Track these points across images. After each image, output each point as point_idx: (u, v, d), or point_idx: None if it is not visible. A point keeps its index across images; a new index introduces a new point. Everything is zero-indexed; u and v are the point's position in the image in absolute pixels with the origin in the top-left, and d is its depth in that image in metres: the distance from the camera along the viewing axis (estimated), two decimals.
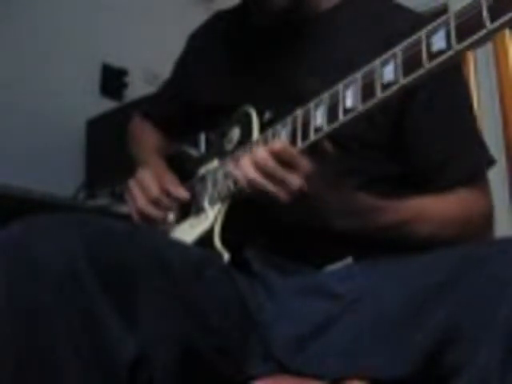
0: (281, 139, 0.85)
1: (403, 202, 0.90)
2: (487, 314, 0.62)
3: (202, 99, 1.13)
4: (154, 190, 1.04)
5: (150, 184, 1.05)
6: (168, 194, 1.04)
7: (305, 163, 0.81)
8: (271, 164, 0.81)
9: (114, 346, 0.68)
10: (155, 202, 1.04)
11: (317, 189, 0.82)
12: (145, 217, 1.05)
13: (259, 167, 0.82)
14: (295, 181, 0.80)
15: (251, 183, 0.82)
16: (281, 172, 0.81)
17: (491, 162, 0.97)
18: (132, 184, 1.08)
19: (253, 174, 0.82)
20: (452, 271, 0.68)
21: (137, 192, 1.06)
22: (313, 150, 0.82)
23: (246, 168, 0.83)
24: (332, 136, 0.81)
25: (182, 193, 1.04)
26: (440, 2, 2.57)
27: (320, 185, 0.82)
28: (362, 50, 0.88)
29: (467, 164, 0.94)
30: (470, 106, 1.01)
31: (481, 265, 0.65)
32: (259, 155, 0.82)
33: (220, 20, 1.18)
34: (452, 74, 0.95)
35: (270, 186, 0.81)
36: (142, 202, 1.04)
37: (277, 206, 0.83)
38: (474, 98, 1.12)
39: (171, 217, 1.07)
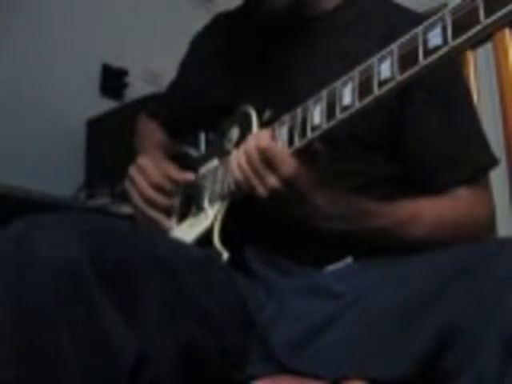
0: (264, 137, 0.85)
1: (396, 205, 0.89)
2: (486, 314, 0.62)
3: (203, 100, 1.14)
4: (156, 175, 1.04)
5: (151, 169, 1.05)
6: (170, 179, 1.04)
7: (286, 166, 0.81)
8: (255, 157, 0.83)
9: (116, 346, 0.68)
10: (157, 187, 1.04)
11: (302, 190, 0.82)
12: (147, 201, 1.04)
13: (247, 159, 0.84)
14: (271, 181, 0.81)
15: (240, 171, 0.85)
16: (261, 169, 0.82)
17: (493, 162, 0.96)
18: (132, 170, 1.07)
19: (243, 163, 0.84)
20: (451, 272, 0.68)
21: (138, 177, 1.05)
22: (304, 151, 0.82)
23: (238, 156, 0.85)
24: (331, 138, 0.80)
25: (187, 175, 1.05)
26: (440, 1, 2.56)
27: (306, 187, 0.82)
28: (362, 50, 0.88)
29: (466, 165, 0.93)
30: (470, 105, 0.99)
31: (480, 265, 0.65)
32: (248, 146, 0.84)
33: (221, 22, 1.19)
34: (448, 73, 0.95)
35: (252, 177, 0.83)
36: (143, 185, 1.04)
37: (257, 202, 0.85)
38: (474, 98, 1.12)
39: (174, 202, 1.07)
